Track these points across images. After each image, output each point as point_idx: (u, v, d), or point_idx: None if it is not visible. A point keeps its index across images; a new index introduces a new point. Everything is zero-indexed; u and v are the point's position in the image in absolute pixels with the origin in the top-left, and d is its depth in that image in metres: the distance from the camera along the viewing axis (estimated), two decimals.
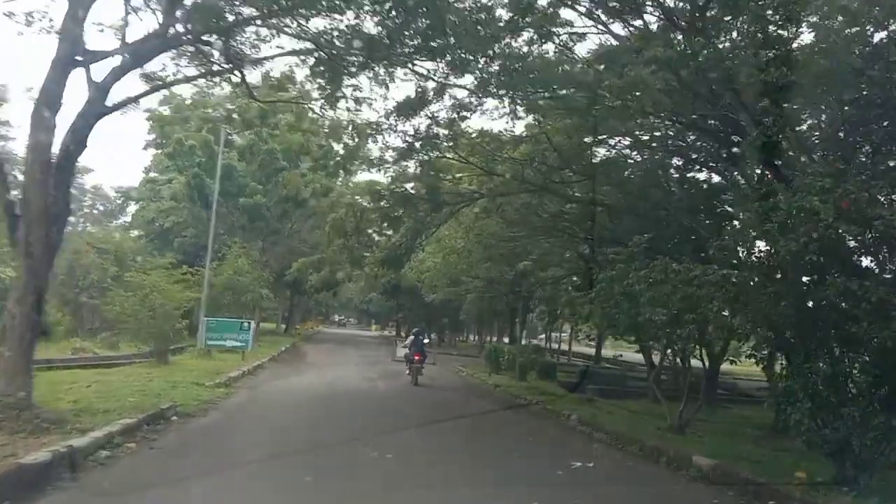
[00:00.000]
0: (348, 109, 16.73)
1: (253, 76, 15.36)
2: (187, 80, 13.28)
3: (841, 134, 13.25)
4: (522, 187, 17.19)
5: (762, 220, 8.03)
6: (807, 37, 13.22)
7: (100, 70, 10.99)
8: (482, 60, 13.20)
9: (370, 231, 20.11)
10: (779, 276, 8.75)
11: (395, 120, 16.48)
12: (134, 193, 50.12)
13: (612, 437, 12.83)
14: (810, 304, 8.32)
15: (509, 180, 16.92)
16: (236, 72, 15.37)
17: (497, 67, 13.44)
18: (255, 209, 32.26)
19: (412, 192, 18.72)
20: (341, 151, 29.30)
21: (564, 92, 15.98)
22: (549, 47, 14.95)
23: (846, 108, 12.45)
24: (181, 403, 12.41)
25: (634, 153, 19.01)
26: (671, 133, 17.80)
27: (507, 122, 17.71)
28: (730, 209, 17.72)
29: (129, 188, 53.64)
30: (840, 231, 7.29)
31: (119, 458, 7.99)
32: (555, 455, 11.11)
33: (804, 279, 8.39)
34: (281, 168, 32.92)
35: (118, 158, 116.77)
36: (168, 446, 9.09)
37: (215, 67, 14.84)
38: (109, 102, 11.01)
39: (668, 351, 14.81)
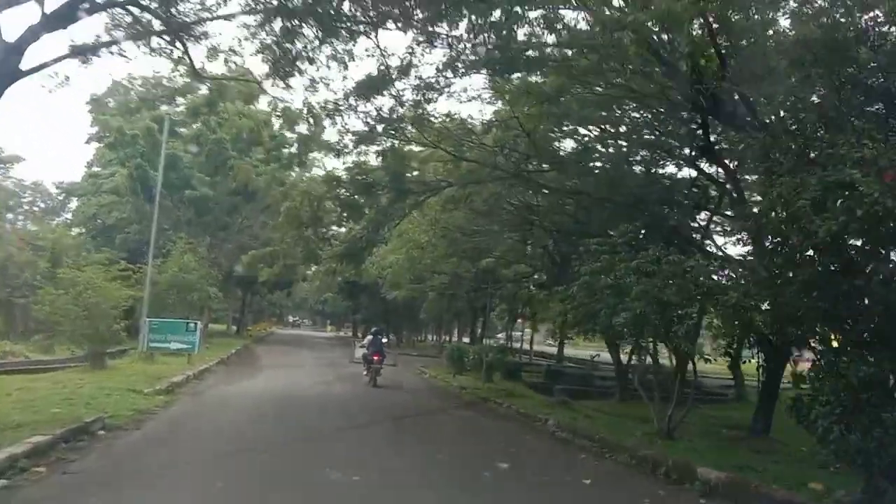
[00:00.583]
0: (305, 89, 15.35)
1: (197, 52, 13.85)
2: (112, 42, 11.63)
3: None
4: (493, 175, 15.94)
5: (790, 199, 6.89)
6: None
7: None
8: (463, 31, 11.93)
9: (328, 222, 18.55)
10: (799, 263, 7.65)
11: (356, 100, 15.10)
12: (76, 189, 47.37)
13: (598, 444, 11.68)
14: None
15: (479, 167, 15.66)
16: (178, 44, 13.88)
17: (470, 37, 12.15)
18: (202, 202, 30.14)
19: (374, 179, 17.21)
20: (296, 142, 27.45)
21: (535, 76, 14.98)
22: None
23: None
24: (112, 414, 10.95)
25: (608, 143, 17.95)
26: (645, 118, 16.90)
27: (477, 108, 16.29)
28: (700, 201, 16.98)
29: (71, 184, 50.76)
30: (889, 207, 6.15)
31: (19, 488, 6.48)
32: (544, 470, 9.85)
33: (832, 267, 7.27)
34: (230, 159, 30.87)
35: (61, 154, 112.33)
36: (86, 470, 7.56)
37: (155, 41, 13.39)
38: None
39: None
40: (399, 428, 12.93)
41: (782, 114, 8.39)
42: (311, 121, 15.81)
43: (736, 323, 9.52)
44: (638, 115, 17.17)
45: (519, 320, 51.91)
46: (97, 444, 8.97)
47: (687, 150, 16.27)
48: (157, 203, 23.44)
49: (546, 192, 17.50)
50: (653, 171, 18.70)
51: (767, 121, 11.36)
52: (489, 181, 16.30)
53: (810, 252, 7.03)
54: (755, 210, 10.66)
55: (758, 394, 18.51)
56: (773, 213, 7.05)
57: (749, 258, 13.77)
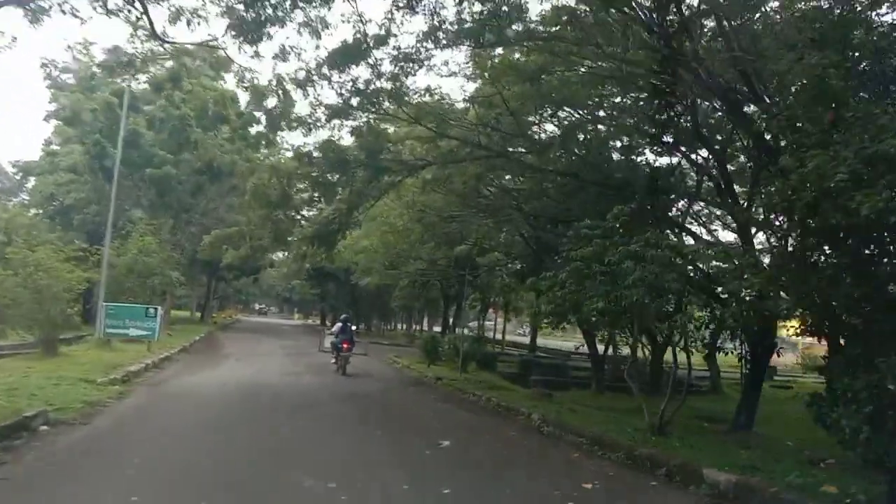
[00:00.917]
0: (274, 58, 14.28)
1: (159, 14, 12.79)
2: None
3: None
4: (474, 154, 15.06)
5: (825, 174, 6.11)
6: None
7: None
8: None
9: (298, 203, 17.42)
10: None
11: (329, 70, 14.07)
12: (33, 168, 45.18)
13: (589, 441, 10.90)
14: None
15: (460, 145, 14.75)
16: (137, 3, 12.77)
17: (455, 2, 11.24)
18: (164, 181, 28.53)
19: (349, 156, 16.12)
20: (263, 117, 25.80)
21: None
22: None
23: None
24: (58, 407, 9.97)
25: (591, 126, 17.16)
26: (626, 101, 16.20)
27: (458, 84, 15.28)
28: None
29: (28, 162, 48.48)
30: None
31: None
32: (538, 474, 8.98)
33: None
34: (195, 137, 29.26)
35: (19, 132, 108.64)
36: (19, 475, 6.56)
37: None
38: None
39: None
40: (377, 423, 12.03)
41: (804, 82, 7.59)
42: (281, 94, 14.64)
43: (749, 313, 8.74)
44: (620, 100, 16.52)
45: (490, 310, 51.52)
46: (35, 443, 7.94)
47: (670, 137, 15.55)
48: (116, 180, 22.09)
49: (528, 174, 16.67)
50: (635, 157, 18.10)
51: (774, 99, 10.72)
52: (470, 161, 15.40)
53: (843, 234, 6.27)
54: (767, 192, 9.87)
55: (741, 386, 18.00)
56: (805, 191, 6.27)
57: (745, 246, 13.18)
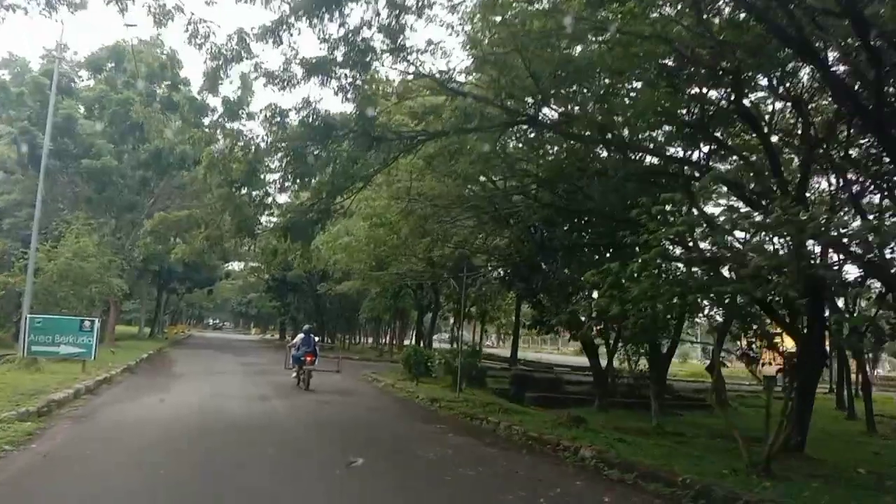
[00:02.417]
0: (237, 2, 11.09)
1: None
2: None
3: None
4: (488, 121, 12.01)
5: None
6: None
7: None
8: None
9: (267, 183, 13.95)
10: None
11: (306, 17, 10.93)
12: None
13: (684, 489, 7.91)
14: None
15: (475, 106, 11.66)
16: None
17: None
18: (103, 174, 24.37)
19: (333, 120, 12.73)
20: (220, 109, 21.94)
21: None
22: None
23: None
24: None
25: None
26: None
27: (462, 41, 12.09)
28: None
29: None
30: None
31: None
32: None
33: None
34: (140, 117, 25.20)
35: None
36: None
37: None
38: None
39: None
40: (386, 470, 8.86)
41: None
42: (244, 55, 11.38)
43: None
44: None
45: (466, 320, 48.50)
46: None
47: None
48: (44, 167, 18.47)
49: (549, 151, 13.70)
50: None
51: None
52: (484, 132, 12.32)
53: None
54: None
55: (787, 400, 15.57)
56: None
57: None
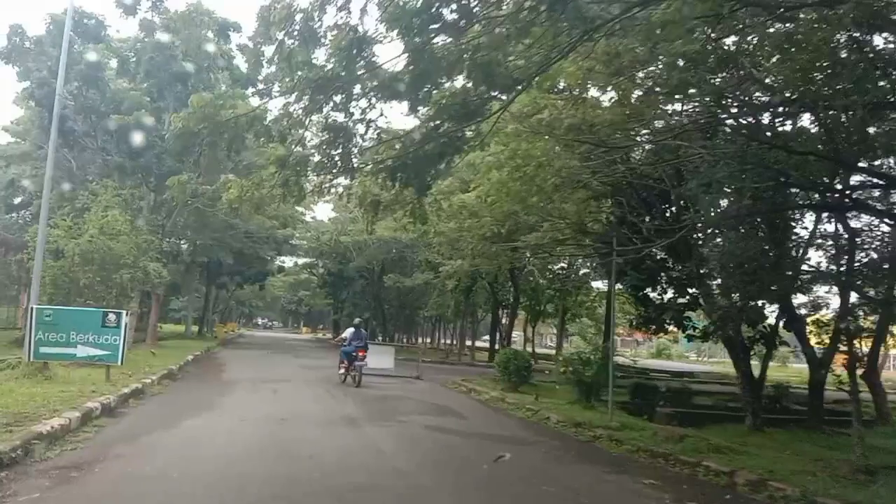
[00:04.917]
0: None
1: None
2: None
3: None
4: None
5: None
6: None
7: None
8: None
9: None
10: None
11: None
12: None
13: None
14: None
15: None
16: None
17: None
18: (138, 134, 19.79)
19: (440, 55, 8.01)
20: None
21: None
22: None
23: None
24: None
25: None
26: None
27: None
28: None
29: None
30: None
31: None
32: None
33: None
34: (182, 74, 20.64)
35: None
36: None
37: None
38: None
39: None
40: None
41: None
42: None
43: None
44: None
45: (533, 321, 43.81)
46: None
47: None
48: (56, 114, 14.19)
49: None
50: None
51: None
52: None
53: None
54: None
55: None
56: None
57: None
